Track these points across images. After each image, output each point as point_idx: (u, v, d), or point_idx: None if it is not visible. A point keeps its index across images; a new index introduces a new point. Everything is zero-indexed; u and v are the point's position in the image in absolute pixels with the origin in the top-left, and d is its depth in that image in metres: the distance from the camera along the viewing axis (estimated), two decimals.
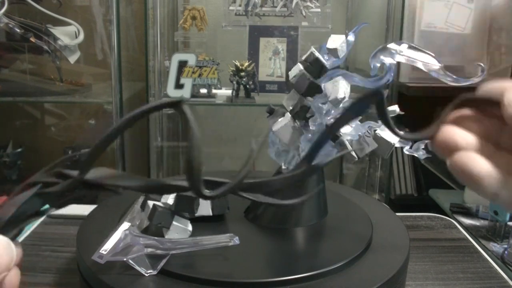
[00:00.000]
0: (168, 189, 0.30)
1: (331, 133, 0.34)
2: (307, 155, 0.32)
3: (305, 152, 0.33)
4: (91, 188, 0.29)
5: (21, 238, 0.62)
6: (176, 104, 0.28)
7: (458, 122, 0.30)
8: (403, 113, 0.46)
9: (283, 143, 0.47)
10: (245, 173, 0.29)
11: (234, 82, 1.39)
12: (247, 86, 1.39)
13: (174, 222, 0.45)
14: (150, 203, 0.46)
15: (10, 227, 0.27)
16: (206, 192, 0.29)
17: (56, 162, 0.29)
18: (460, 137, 0.29)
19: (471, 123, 0.29)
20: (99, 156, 0.28)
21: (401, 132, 0.32)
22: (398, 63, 0.44)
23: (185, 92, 1.39)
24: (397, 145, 0.45)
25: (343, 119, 0.32)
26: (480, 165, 0.27)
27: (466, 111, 0.30)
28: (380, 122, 0.45)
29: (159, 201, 0.46)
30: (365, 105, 0.31)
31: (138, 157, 1.61)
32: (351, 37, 0.46)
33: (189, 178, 0.28)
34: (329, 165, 0.53)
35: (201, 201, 0.48)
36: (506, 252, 0.91)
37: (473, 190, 0.28)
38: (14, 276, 0.27)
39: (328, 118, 0.45)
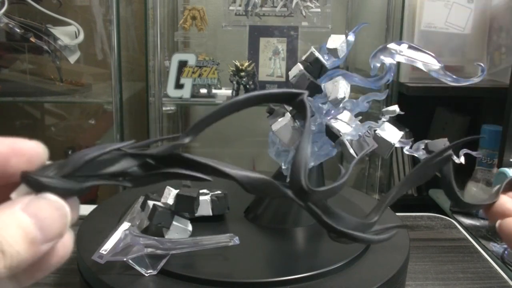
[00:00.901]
0: (272, 192, 0.27)
1: (403, 190, 0.37)
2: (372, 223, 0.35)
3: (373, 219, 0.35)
4: (184, 163, 0.26)
5: None
6: (297, 96, 0.26)
7: (510, 196, 0.38)
8: (403, 113, 0.46)
9: (283, 143, 0.47)
10: (345, 179, 0.29)
11: (234, 82, 1.39)
12: (247, 86, 1.39)
13: (174, 222, 0.45)
14: (150, 203, 0.46)
15: (83, 175, 0.23)
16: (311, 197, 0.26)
17: (142, 142, 0.27)
18: (511, 205, 0.37)
19: None
20: (203, 129, 0.25)
21: (464, 201, 0.39)
22: (398, 63, 0.44)
23: (185, 92, 1.39)
24: (397, 145, 0.45)
25: (419, 175, 0.37)
26: None
27: None
28: (379, 122, 0.45)
29: (159, 201, 0.46)
30: (438, 165, 0.35)
31: None
32: (351, 37, 0.45)
33: (293, 181, 0.25)
34: (329, 166, 0.52)
35: (201, 201, 0.48)
36: (506, 252, 0.91)
37: None
38: (68, 240, 0.23)
39: (328, 118, 0.45)
